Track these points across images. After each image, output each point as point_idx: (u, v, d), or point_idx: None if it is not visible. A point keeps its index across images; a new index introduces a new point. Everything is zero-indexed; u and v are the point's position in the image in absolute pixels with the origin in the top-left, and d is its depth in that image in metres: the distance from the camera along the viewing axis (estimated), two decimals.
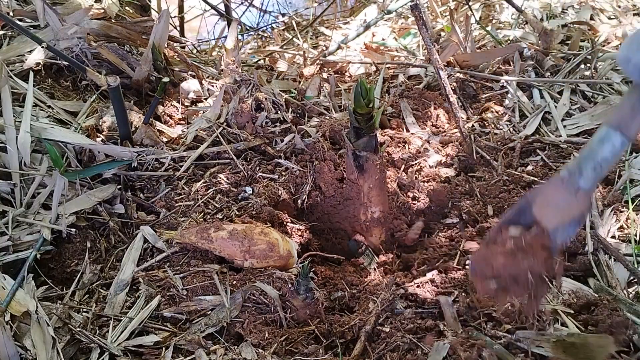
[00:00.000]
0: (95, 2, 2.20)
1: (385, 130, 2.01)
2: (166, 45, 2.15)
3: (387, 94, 2.26)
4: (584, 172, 0.99)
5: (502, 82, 2.21)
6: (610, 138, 0.96)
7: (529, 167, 1.79)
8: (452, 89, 2.05)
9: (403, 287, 1.41)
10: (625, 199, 1.54)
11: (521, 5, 2.59)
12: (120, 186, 1.68)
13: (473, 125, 2.02)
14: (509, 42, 2.48)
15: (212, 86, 2.18)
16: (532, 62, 2.27)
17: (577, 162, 1.01)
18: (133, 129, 1.81)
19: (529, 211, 1.06)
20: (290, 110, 2.07)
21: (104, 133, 1.79)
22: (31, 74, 1.77)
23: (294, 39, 3.17)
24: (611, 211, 1.51)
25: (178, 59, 2.27)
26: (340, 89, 2.34)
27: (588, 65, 2.22)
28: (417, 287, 1.41)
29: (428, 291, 1.39)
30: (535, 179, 1.69)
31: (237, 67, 2.15)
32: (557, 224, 1.03)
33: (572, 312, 1.28)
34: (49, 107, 1.83)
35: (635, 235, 1.43)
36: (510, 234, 1.05)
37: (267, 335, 1.26)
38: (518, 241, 1.04)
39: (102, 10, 2.16)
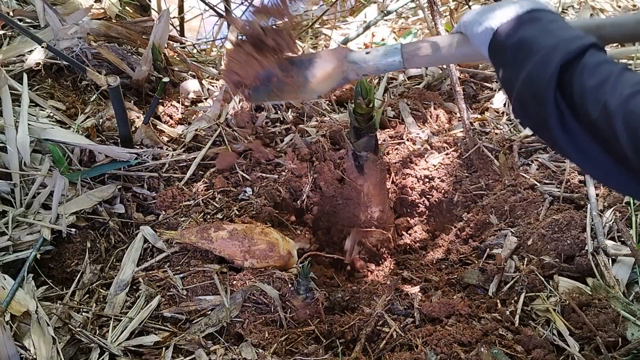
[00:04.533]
0: (95, 2, 2.20)
1: (385, 130, 2.01)
2: (166, 45, 2.15)
3: (386, 94, 2.26)
4: (358, 61, 1.09)
5: None
6: (394, 54, 1.04)
7: (529, 167, 1.79)
8: (450, 88, 2.04)
9: (403, 288, 1.41)
10: (626, 200, 1.54)
11: None
12: (120, 186, 1.68)
13: (474, 126, 2.02)
14: None
15: (212, 86, 2.18)
16: None
17: (365, 54, 1.11)
18: (133, 129, 1.81)
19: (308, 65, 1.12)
20: (290, 110, 2.07)
21: (104, 133, 1.79)
22: (25, 76, 1.77)
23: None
24: (612, 212, 1.51)
25: (178, 59, 2.27)
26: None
27: None
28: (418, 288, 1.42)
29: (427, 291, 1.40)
30: (536, 178, 1.69)
31: None
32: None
33: (564, 311, 1.28)
34: (49, 107, 1.82)
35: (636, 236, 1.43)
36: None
37: (267, 335, 1.26)
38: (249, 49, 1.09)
39: (102, 10, 2.15)
